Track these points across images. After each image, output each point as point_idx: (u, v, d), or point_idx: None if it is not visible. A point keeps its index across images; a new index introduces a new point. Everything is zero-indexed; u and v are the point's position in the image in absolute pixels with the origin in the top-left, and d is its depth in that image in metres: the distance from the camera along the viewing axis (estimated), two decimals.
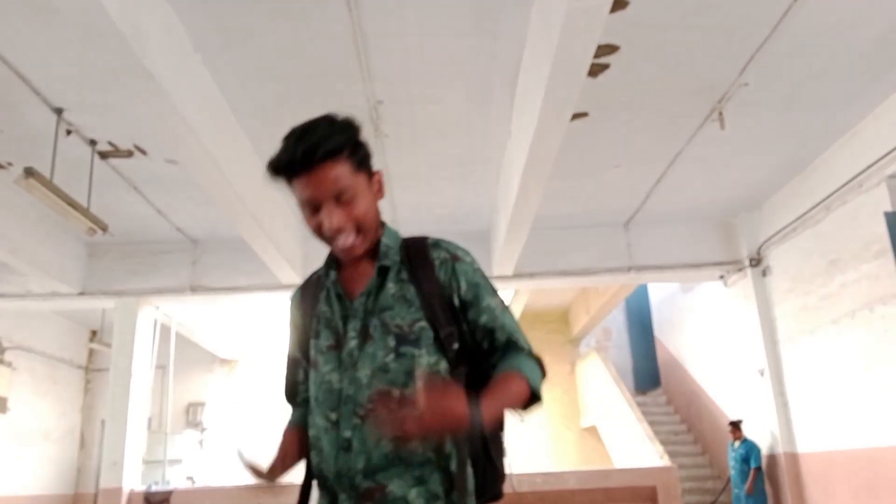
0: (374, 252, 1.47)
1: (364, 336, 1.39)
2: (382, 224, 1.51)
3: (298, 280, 8.43)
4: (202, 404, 13.24)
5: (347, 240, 1.39)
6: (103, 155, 6.47)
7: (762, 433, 8.83)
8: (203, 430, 13.02)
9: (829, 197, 7.22)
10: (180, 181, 7.08)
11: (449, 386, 1.21)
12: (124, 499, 8.31)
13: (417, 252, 1.46)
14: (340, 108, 1.59)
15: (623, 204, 8.52)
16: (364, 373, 1.36)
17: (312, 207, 1.39)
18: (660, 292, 13.38)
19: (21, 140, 6.16)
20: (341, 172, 1.38)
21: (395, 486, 1.31)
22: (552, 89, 4.56)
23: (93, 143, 6.26)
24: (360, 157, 1.44)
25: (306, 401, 1.54)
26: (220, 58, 5.14)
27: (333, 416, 1.37)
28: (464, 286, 1.43)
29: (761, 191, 8.27)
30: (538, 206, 6.78)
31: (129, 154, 6.51)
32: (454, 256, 1.47)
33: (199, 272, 8.95)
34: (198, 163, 5.58)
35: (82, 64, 5.05)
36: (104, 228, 6.32)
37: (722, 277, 9.30)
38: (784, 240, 8.23)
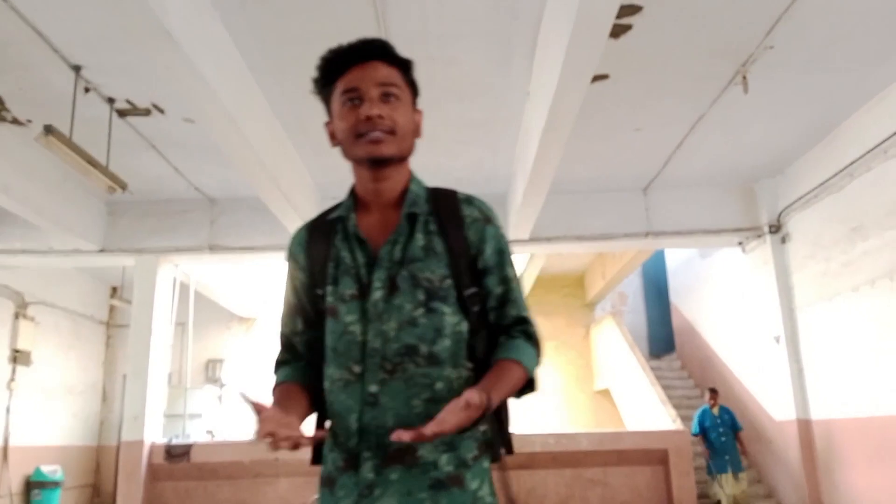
0: (399, 199, 1.40)
1: (391, 287, 1.33)
2: (410, 173, 1.45)
3: None
4: (221, 361, 13.47)
5: (379, 134, 1.32)
6: (121, 113, 6.49)
7: (775, 399, 8.85)
8: (222, 385, 13.26)
9: (853, 163, 7.10)
10: (198, 140, 7.09)
11: (467, 404, 1.16)
12: (146, 451, 8.52)
13: (448, 205, 1.40)
14: None
15: (642, 168, 8.44)
16: (391, 325, 1.30)
17: (353, 101, 1.34)
18: (677, 258, 13.29)
19: (40, 98, 6.19)
20: (394, 74, 1.38)
21: (426, 451, 1.28)
22: (573, 50, 4.49)
23: (111, 101, 6.26)
24: (411, 80, 1.44)
25: (300, 356, 1.45)
26: (239, 16, 5.10)
27: (357, 368, 1.31)
28: (489, 251, 1.39)
29: (784, 156, 8.14)
30: (556, 169, 6.73)
31: (147, 112, 6.52)
32: (487, 218, 1.41)
33: (217, 231, 9.01)
34: (215, 122, 5.58)
35: (100, 22, 5.04)
36: (123, 187, 6.37)
37: (741, 244, 9.22)
38: (805, 206, 8.13)
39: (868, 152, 6.83)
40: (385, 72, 1.36)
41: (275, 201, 7.23)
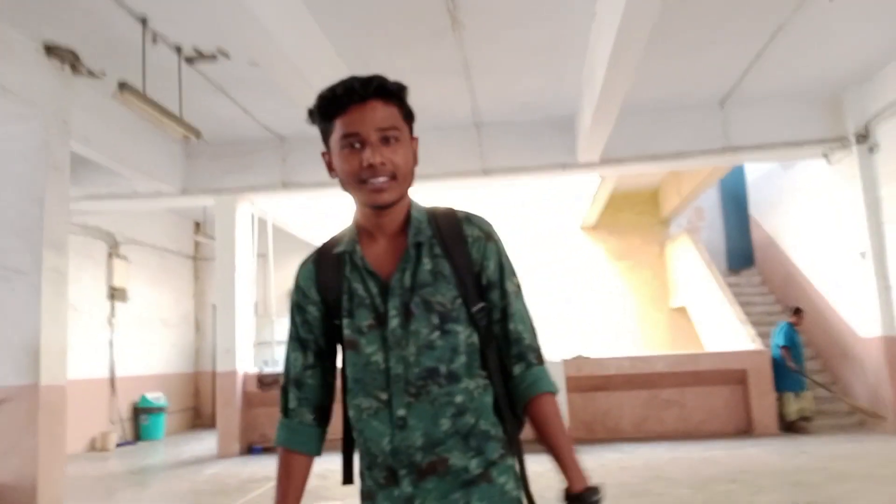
0: (402, 226, 1.44)
1: (406, 314, 1.38)
2: (409, 199, 1.47)
3: None
4: None
5: (382, 181, 1.35)
6: (189, 60, 6.59)
7: (861, 316, 8.59)
8: None
9: None
10: (264, 82, 7.15)
11: None
12: (239, 380, 9.06)
13: (450, 226, 1.45)
14: None
15: (719, 82, 8.03)
16: (410, 351, 1.37)
17: (353, 145, 1.36)
18: (757, 170, 12.74)
19: (111, 50, 6.34)
20: (393, 113, 1.39)
21: (455, 459, 1.36)
22: None
23: (178, 49, 6.37)
24: (408, 111, 1.44)
25: (307, 398, 1.48)
26: None
27: (384, 395, 1.38)
28: (492, 267, 1.44)
29: (873, 61, 7.59)
30: (626, 91, 6.49)
31: (214, 58, 6.60)
32: (487, 235, 1.46)
33: (289, 169, 9.20)
34: (276, 65, 5.64)
35: None
36: (198, 136, 6.54)
37: (825, 155, 8.76)
38: (895, 114, 7.62)
39: None
40: (383, 113, 1.37)
41: None
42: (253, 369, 9.41)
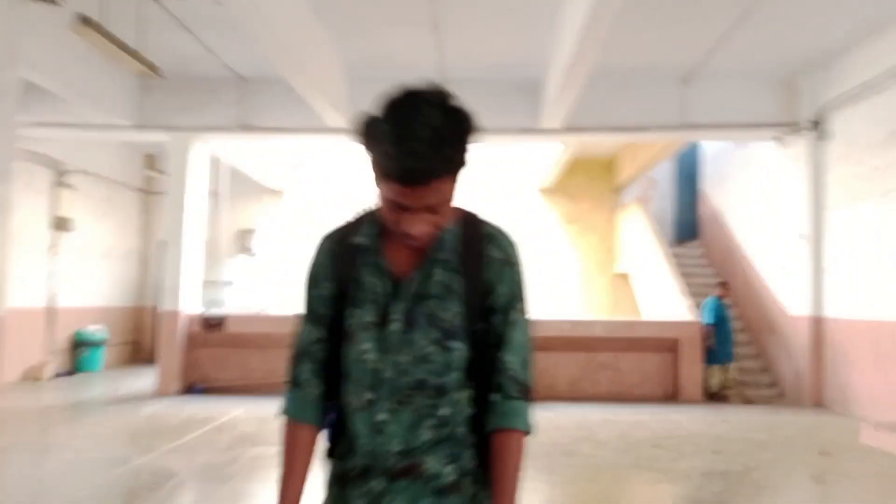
0: None
1: (408, 321, 1.37)
2: None
3: (344, 124, 8.44)
4: (252, 231, 13.86)
5: (422, 237, 1.33)
6: None
7: (792, 294, 9.00)
8: (253, 254, 13.76)
9: None
10: (228, 19, 6.96)
11: None
12: (182, 320, 9.02)
13: (472, 242, 1.42)
14: None
15: (684, 58, 8.14)
16: (406, 359, 1.36)
17: (401, 208, 1.29)
18: (713, 145, 13.03)
19: None
20: (446, 186, 1.29)
21: (430, 465, 1.36)
22: None
23: None
24: (466, 162, 1.32)
25: (316, 369, 1.45)
26: None
27: (368, 395, 1.36)
28: (501, 291, 1.42)
29: (831, 51, 7.81)
30: (594, 63, 6.54)
31: None
32: (507, 258, 1.43)
33: (247, 111, 9.02)
34: (240, 2, 5.51)
35: None
36: (157, 73, 6.36)
37: (777, 139, 9.03)
38: (847, 104, 7.89)
39: None
40: (438, 188, 1.27)
41: (301, 84, 7.18)
42: (199, 309, 9.37)
